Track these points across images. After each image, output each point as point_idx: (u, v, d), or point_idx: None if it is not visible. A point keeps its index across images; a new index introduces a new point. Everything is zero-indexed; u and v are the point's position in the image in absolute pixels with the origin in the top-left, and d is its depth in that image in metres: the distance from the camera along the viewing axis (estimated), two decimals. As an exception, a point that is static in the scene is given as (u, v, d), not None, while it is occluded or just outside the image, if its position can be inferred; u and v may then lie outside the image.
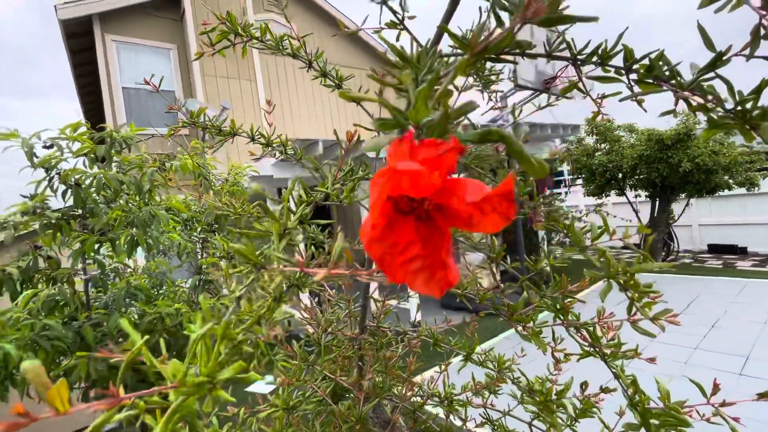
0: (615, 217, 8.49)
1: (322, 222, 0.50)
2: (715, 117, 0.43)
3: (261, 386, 3.88)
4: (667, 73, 0.49)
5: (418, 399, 1.05)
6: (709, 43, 0.46)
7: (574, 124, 8.20)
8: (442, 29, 0.27)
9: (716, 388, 0.63)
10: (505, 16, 0.44)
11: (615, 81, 0.54)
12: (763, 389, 0.65)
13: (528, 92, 5.57)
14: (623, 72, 0.52)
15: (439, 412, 1.08)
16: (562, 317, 0.66)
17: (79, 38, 6.48)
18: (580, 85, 0.61)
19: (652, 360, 0.69)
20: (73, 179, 1.98)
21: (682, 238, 9.31)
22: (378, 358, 0.93)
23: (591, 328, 0.66)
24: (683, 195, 7.90)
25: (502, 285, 0.75)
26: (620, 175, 8.16)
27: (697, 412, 0.69)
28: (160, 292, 2.59)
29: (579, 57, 0.54)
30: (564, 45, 0.55)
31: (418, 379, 1.09)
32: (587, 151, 8.50)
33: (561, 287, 0.66)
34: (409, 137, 0.18)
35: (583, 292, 0.69)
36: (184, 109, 0.96)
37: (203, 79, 6.75)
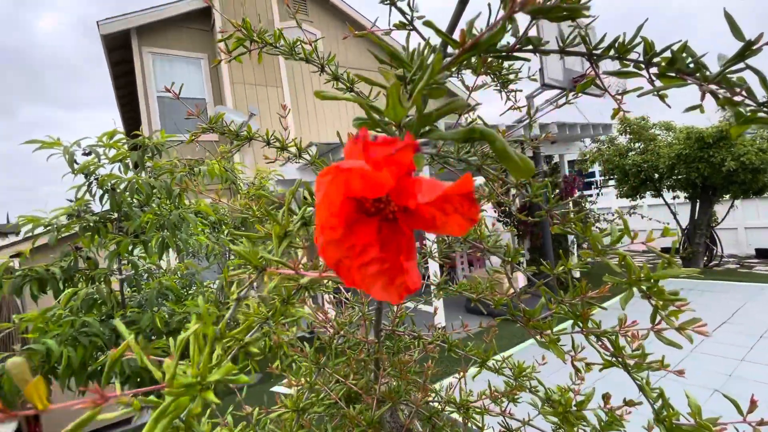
0: (650, 219, 8.07)
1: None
2: (744, 111, 0.40)
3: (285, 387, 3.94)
4: (691, 65, 0.46)
5: (436, 405, 1.03)
6: (737, 32, 0.42)
7: (605, 123, 7.88)
8: (427, 24, 0.27)
9: (753, 404, 0.58)
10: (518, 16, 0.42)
11: (634, 76, 0.51)
12: (809, 408, 0.60)
13: (556, 91, 5.41)
14: (643, 66, 0.49)
15: (458, 418, 1.06)
16: (581, 325, 0.63)
17: (119, 51, 6.88)
18: (599, 81, 0.58)
19: (680, 373, 0.65)
20: (109, 184, 2.09)
21: (726, 241, 8.71)
22: (393, 363, 0.92)
23: (613, 337, 0.63)
24: (727, 196, 7.41)
25: (518, 289, 0.73)
26: (656, 176, 7.77)
27: (736, 429, 0.64)
28: (190, 292, 2.69)
29: (595, 51, 0.52)
30: (579, 40, 0.53)
31: (435, 385, 1.07)
32: (620, 150, 8.15)
33: (580, 293, 0.63)
34: (362, 135, 0.18)
35: (612, 300, 0.66)
36: (206, 115, 0.99)
37: (232, 87, 6.99)
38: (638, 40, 0.49)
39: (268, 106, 7.39)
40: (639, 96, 0.51)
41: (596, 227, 7.34)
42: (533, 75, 1.13)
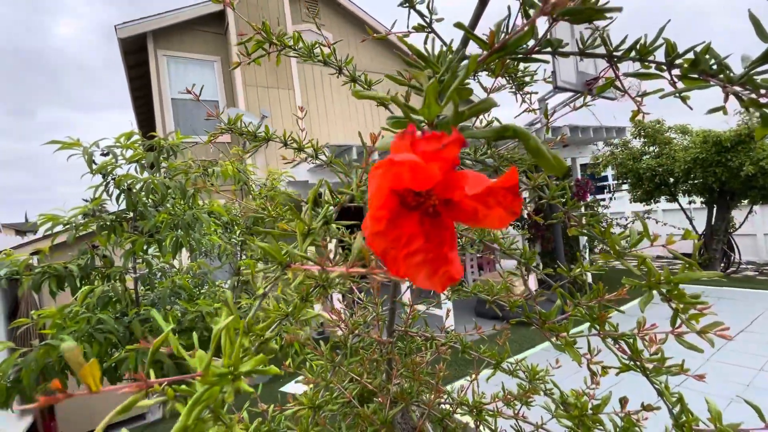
0: (665, 224, 7.92)
1: (346, 222, 0.51)
2: (770, 112, 0.40)
3: (293, 387, 3.96)
4: (714, 67, 0.46)
5: (447, 407, 1.03)
6: (761, 33, 0.42)
7: (619, 126, 7.78)
8: (458, 26, 0.27)
9: (777, 412, 0.57)
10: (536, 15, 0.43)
11: (656, 77, 0.51)
12: (835, 417, 0.58)
13: (569, 94, 5.36)
14: (665, 67, 0.48)
15: (469, 421, 1.05)
16: (597, 327, 0.63)
17: (135, 54, 7.04)
18: (618, 83, 0.58)
19: (700, 377, 0.64)
20: (125, 184, 2.13)
21: (744, 248, 8.50)
22: (405, 364, 0.92)
23: (630, 340, 0.62)
24: (746, 201, 7.24)
25: (533, 292, 0.73)
26: (671, 180, 7.63)
27: (756, 437, 0.63)
28: (202, 291, 2.73)
29: (615, 53, 0.52)
30: (599, 41, 0.53)
31: (447, 387, 1.07)
32: (634, 154, 8.02)
33: (597, 295, 0.63)
34: (410, 131, 0.18)
35: (628, 304, 0.65)
36: (223, 116, 1.01)
37: (244, 89, 7.09)
38: (660, 41, 0.49)
39: (280, 108, 7.47)
40: (661, 98, 0.51)
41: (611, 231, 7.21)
42: (548, 77, 1.12)
